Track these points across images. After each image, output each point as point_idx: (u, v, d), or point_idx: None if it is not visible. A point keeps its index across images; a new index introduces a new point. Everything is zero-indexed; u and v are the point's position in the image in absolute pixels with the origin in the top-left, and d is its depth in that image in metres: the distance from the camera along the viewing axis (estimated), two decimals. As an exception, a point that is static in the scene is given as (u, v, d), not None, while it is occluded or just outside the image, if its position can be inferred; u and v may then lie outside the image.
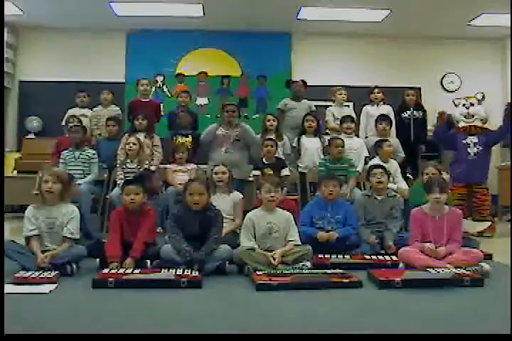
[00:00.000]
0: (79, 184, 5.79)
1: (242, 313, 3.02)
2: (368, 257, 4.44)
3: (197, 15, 8.24)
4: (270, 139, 6.15)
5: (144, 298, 3.30)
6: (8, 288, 3.36)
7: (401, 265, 4.14)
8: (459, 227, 4.23)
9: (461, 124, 6.43)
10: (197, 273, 3.73)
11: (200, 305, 3.17)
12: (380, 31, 8.93)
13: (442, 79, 9.49)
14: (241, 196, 5.23)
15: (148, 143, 6.33)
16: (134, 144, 5.98)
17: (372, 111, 7.23)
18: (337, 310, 3.08)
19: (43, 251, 3.96)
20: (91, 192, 5.88)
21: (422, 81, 9.19)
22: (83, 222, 4.50)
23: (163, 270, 3.81)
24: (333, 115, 7.23)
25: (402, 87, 8.05)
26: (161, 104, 8.05)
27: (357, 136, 6.96)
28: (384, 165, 5.50)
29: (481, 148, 6.25)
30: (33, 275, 3.63)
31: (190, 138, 6.63)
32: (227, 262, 4.07)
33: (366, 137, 7.10)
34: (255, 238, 4.23)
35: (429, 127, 7.65)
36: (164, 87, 9.16)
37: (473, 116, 6.38)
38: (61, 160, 6.03)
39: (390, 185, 5.40)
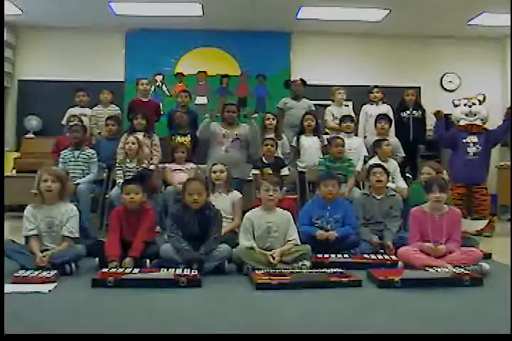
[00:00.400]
0: (78, 183, 5.80)
1: (241, 312, 3.02)
2: (367, 256, 4.44)
3: (196, 15, 8.23)
4: (270, 139, 6.15)
5: (144, 297, 3.30)
6: (8, 288, 3.36)
7: (400, 264, 4.15)
8: (458, 227, 4.24)
9: (462, 122, 6.43)
10: (196, 272, 3.74)
11: (199, 305, 3.18)
12: (380, 31, 8.92)
13: (442, 78, 9.48)
14: (240, 195, 5.23)
15: (148, 142, 6.32)
16: (133, 144, 5.98)
17: (371, 110, 7.22)
18: (336, 310, 3.08)
19: (43, 251, 3.96)
20: (90, 192, 5.87)
21: (422, 80, 9.19)
22: (82, 221, 4.50)
23: (162, 269, 3.81)
24: (333, 114, 7.22)
25: (401, 87, 8.06)
26: (161, 104, 8.04)
27: (356, 135, 6.95)
28: (383, 164, 5.50)
29: (480, 148, 6.25)
30: (32, 275, 3.63)
31: (189, 138, 6.63)
32: (227, 261, 4.08)
33: (365, 136, 7.09)
34: (254, 237, 4.24)
35: (428, 127, 7.64)
36: (163, 86, 9.15)
37: (475, 115, 6.38)
38: (61, 160, 6.02)
39: (389, 185, 5.40)
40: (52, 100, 8.44)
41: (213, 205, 4.32)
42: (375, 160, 6.06)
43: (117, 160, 6.07)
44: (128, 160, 5.98)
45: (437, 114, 6.51)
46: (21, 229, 4.09)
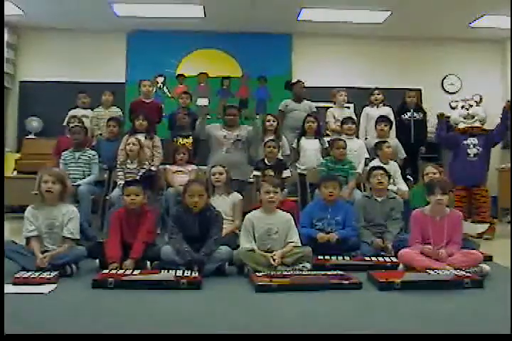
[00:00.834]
0: (79, 185, 5.80)
1: (241, 314, 3.02)
2: (367, 258, 4.45)
3: (198, 16, 8.24)
4: (272, 140, 6.15)
5: (144, 298, 3.30)
6: (8, 289, 3.36)
7: (401, 266, 4.14)
8: (459, 229, 4.23)
9: (461, 126, 6.43)
10: (197, 274, 3.74)
11: (199, 306, 3.17)
12: (381, 32, 8.93)
13: (443, 80, 9.50)
14: (240, 197, 5.23)
15: (149, 143, 6.32)
16: (134, 145, 5.97)
17: (372, 112, 7.22)
18: (337, 312, 3.08)
19: (43, 252, 3.96)
20: (91, 193, 5.88)
21: (423, 82, 9.20)
22: (83, 222, 4.49)
23: (162, 271, 3.81)
24: (334, 116, 7.22)
25: (402, 89, 8.06)
26: (162, 105, 8.05)
27: (357, 137, 6.95)
28: (384, 166, 5.50)
29: (480, 149, 6.25)
30: (33, 276, 3.63)
31: (190, 140, 6.64)
32: (227, 263, 4.08)
33: (366, 138, 7.09)
34: (255, 239, 4.23)
35: (429, 129, 7.64)
36: (165, 87, 9.16)
37: (473, 117, 6.38)
38: (61, 161, 6.04)
39: (390, 187, 5.40)
40: (54, 101, 8.45)
41: (214, 207, 4.32)
42: (376, 162, 6.06)
43: (118, 161, 6.07)
44: (129, 161, 5.98)
45: (441, 116, 6.50)
46: (22, 230, 4.10)
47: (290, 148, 6.65)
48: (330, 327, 2.75)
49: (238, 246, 4.23)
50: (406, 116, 7.46)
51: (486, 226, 6.09)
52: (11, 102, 8.95)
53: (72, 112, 7.32)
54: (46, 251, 3.99)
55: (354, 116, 7.13)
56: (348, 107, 7.72)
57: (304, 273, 3.92)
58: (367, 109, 7.35)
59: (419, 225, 4.23)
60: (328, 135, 7.17)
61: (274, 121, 6.59)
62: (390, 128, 6.80)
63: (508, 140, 6.70)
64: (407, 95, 7.55)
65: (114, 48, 9.09)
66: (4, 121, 8.30)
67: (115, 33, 8.98)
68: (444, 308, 3.13)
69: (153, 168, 6.10)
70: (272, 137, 6.36)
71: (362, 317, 2.95)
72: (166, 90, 9.16)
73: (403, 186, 5.99)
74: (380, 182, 5.10)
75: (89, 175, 6.02)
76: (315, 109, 7.23)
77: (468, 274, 3.74)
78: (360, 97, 7.62)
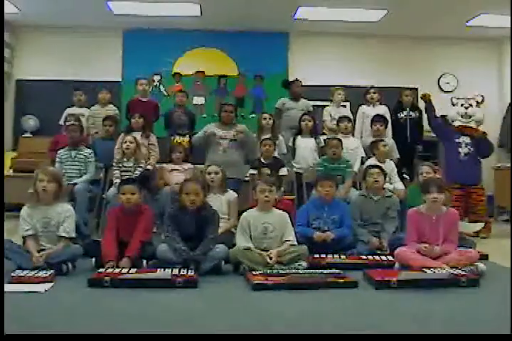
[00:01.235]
0: (75, 183, 5.80)
1: (238, 313, 3.02)
2: (363, 257, 4.46)
3: (194, 15, 8.23)
4: (268, 139, 6.15)
5: (140, 297, 3.30)
6: (5, 287, 3.35)
7: (397, 265, 4.15)
8: (455, 228, 4.24)
9: (457, 123, 6.43)
10: (193, 272, 3.74)
11: (195, 305, 3.17)
12: (377, 31, 8.92)
13: (439, 79, 9.49)
14: (235, 195, 5.23)
15: (145, 142, 6.31)
16: (130, 143, 5.97)
17: (368, 111, 7.20)
18: (333, 311, 3.08)
19: (39, 251, 3.96)
20: (87, 192, 5.87)
21: (419, 81, 9.18)
22: (79, 221, 4.49)
23: (159, 269, 3.81)
24: (331, 115, 7.22)
25: (398, 87, 8.06)
26: (158, 104, 8.03)
27: (353, 136, 6.94)
28: (380, 165, 5.51)
29: (472, 149, 6.27)
30: (29, 275, 3.63)
31: (187, 138, 6.63)
32: (223, 262, 4.09)
33: (361, 137, 7.09)
34: (251, 238, 4.24)
35: (425, 128, 7.65)
36: (161, 86, 9.14)
37: (470, 117, 6.39)
38: (57, 159, 6.02)
39: (386, 186, 5.41)
40: (50, 100, 8.43)
41: (210, 206, 4.32)
42: (372, 161, 6.06)
43: (114, 160, 6.06)
44: (125, 159, 5.97)
45: (424, 97, 6.50)
46: (18, 228, 4.09)
47: (286, 147, 6.65)
48: (326, 326, 2.75)
49: (234, 244, 4.24)
50: (402, 115, 7.45)
51: (482, 225, 6.10)
52: (8, 101, 8.89)
53: (68, 111, 7.31)
54: (42, 250, 3.99)
55: (350, 115, 7.13)
56: (344, 106, 7.71)
57: (300, 271, 3.93)
58: (363, 108, 7.33)
59: (415, 224, 4.24)
60: (324, 133, 7.17)
61: (270, 119, 6.58)
62: (386, 127, 6.80)
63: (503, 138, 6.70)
64: (404, 94, 7.54)
65: (111, 47, 9.06)
66: (3, 121, 8.26)
67: (111, 31, 8.95)
68: (440, 307, 3.14)
69: (149, 167, 6.10)
70: (268, 135, 6.36)
71: (358, 316, 2.96)
72: (162, 89, 9.14)
73: (399, 185, 5.99)
74: (376, 181, 5.11)
75: (85, 173, 6.01)
76: (312, 108, 7.23)
77: (464, 273, 3.76)
78: (356, 96, 7.61)
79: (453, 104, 6.62)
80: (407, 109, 7.47)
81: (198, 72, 9.17)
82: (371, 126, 6.75)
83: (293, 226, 4.44)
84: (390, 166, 6.03)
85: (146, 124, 6.48)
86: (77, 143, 6.11)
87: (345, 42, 9.26)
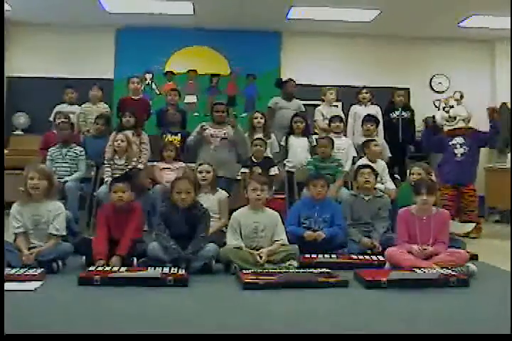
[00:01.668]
0: (66, 181, 5.78)
1: (228, 312, 3.02)
2: (354, 257, 4.46)
3: (187, 13, 8.21)
4: (259, 139, 6.15)
5: (130, 296, 3.29)
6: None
7: (387, 265, 4.16)
8: (445, 228, 4.25)
9: (446, 128, 6.43)
10: (183, 271, 3.74)
11: (186, 304, 3.17)
12: (370, 31, 8.93)
13: (431, 80, 9.51)
14: (226, 194, 5.22)
15: (136, 140, 6.29)
16: (122, 141, 5.95)
17: (360, 111, 7.21)
18: (323, 310, 3.08)
19: (30, 249, 3.94)
20: (78, 190, 5.85)
21: (411, 81, 9.21)
22: (70, 219, 4.48)
23: (149, 268, 3.81)
24: (322, 114, 7.22)
25: (390, 87, 8.09)
26: (150, 102, 8.02)
27: (345, 135, 6.95)
28: (372, 165, 5.51)
29: (467, 149, 6.26)
30: (18, 273, 3.61)
31: (179, 137, 6.62)
32: (214, 261, 4.08)
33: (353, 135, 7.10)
34: (242, 237, 4.24)
35: (417, 128, 7.67)
36: (153, 84, 9.12)
37: (455, 118, 6.37)
38: (48, 157, 6.00)
39: (377, 185, 5.41)
40: (41, 97, 8.38)
41: (201, 204, 4.31)
42: (363, 160, 6.06)
43: (106, 157, 6.04)
44: (117, 157, 5.96)
45: (427, 123, 6.56)
46: (8, 226, 4.07)
47: (279, 146, 6.65)
48: (316, 326, 2.75)
49: (225, 243, 4.24)
50: (394, 115, 7.48)
51: (473, 225, 6.12)
52: (-2, 98, 8.88)
53: (58, 108, 7.27)
54: (33, 247, 3.98)
55: (342, 115, 7.14)
56: (336, 105, 7.72)
57: (290, 271, 3.93)
58: (355, 108, 7.35)
59: (405, 224, 4.25)
60: (316, 133, 7.17)
61: (262, 118, 6.57)
62: (377, 127, 6.81)
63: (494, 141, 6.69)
64: (396, 94, 7.57)
65: (103, 44, 9.02)
66: (3, 118, 8.21)
67: (104, 29, 8.91)
68: (430, 307, 3.15)
69: (140, 166, 6.08)
70: (260, 135, 6.36)
71: (348, 316, 2.96)
72: (154, 87, 9.12)
73: (390, 185, 6.00)
74: (367, 181, 5.11)
75: (75, 171, 5.98)
76: (303, 109, 7.22)
77: (454, 273, 3.77)
78: (348, 96, 7.62)
79: (437, 108, 6.62)
80: (399, 109, 7.51)
81: (190, 70, 9.15)
82: (362, 126, 6.76)
83: (284, 225, 4.44)
84: (381, 166, 6.04)
85: (138, 123, 6.45)
86: (68, 141, 6.08)
87: (337, 42, 9.26)
